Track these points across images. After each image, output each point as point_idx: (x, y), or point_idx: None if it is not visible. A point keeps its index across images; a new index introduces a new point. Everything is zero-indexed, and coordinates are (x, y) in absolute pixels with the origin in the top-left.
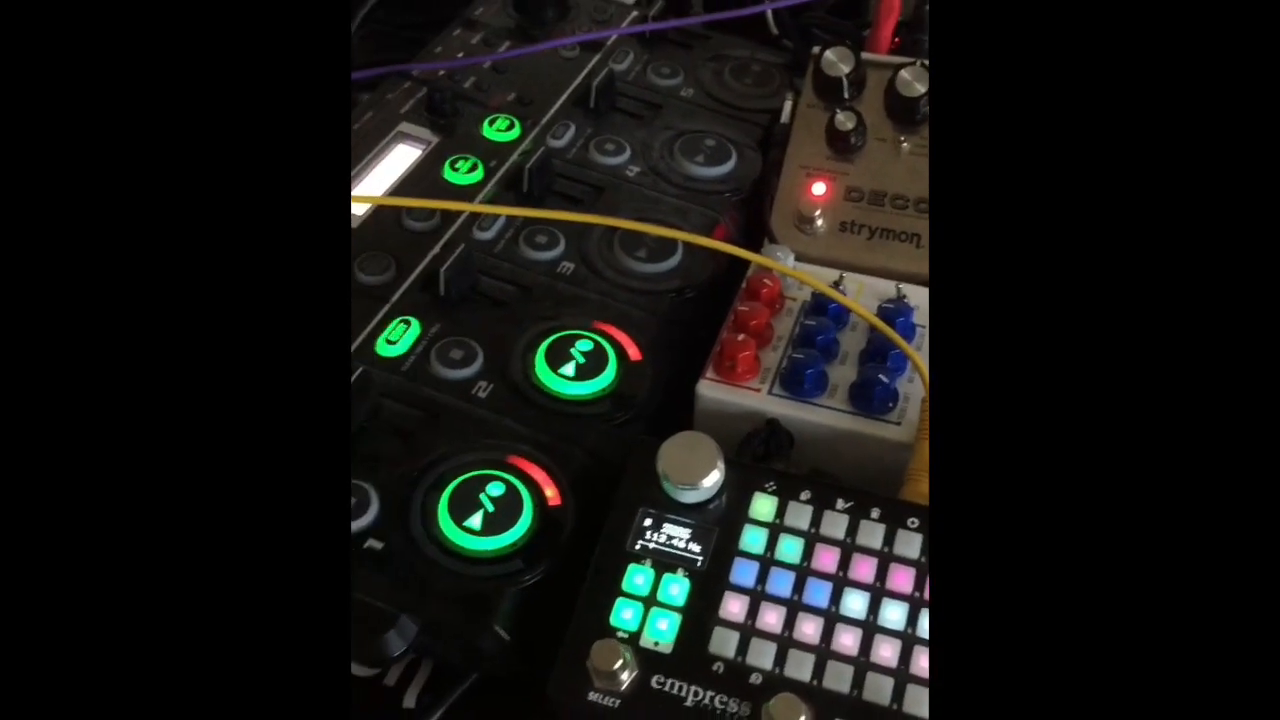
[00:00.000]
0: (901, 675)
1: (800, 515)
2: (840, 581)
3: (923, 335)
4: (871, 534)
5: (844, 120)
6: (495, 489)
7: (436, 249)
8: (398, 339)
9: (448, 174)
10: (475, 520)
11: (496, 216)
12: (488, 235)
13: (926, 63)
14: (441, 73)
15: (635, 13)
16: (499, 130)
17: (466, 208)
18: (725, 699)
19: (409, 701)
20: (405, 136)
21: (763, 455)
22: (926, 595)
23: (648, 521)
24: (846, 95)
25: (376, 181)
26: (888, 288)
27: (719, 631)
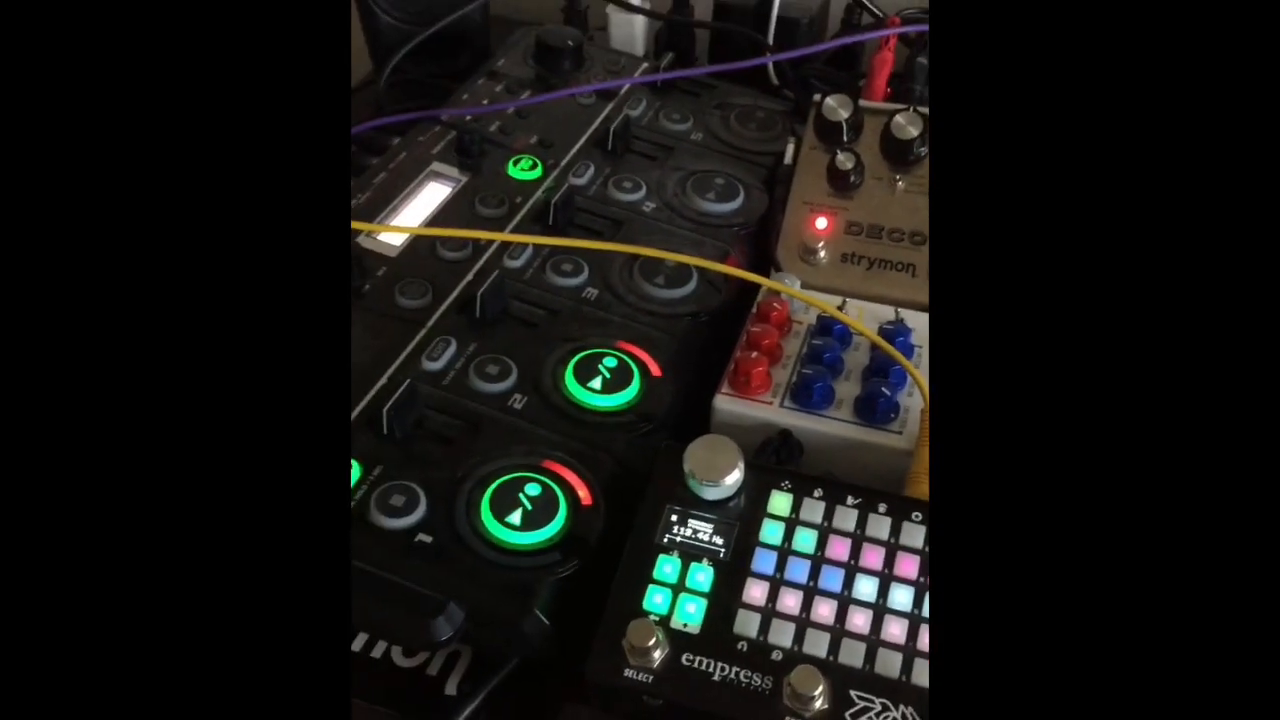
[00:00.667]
0: (909, 651)
1: (814, 510)
2: (852, 568)
3: (920, 354)
4: (879, 526)
5: (844, 160)
6: (533, 489)
7: (470, 276)
8: (438, 357)
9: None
10: (515, 517)
11: (525, 246)
12: (517, 263)
13: (918, 109)
14: (469, 117)
15: (646, 64)
16: (523, 170)
17: (498, 237)
18: (750, 674)
19: (450, 689)
20: (436, 175)
21: (776, 463)
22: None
23: (674, 517)
24: (846, 138)
25: (412, 215)
26: (886, 312)
27: (742, 614)
